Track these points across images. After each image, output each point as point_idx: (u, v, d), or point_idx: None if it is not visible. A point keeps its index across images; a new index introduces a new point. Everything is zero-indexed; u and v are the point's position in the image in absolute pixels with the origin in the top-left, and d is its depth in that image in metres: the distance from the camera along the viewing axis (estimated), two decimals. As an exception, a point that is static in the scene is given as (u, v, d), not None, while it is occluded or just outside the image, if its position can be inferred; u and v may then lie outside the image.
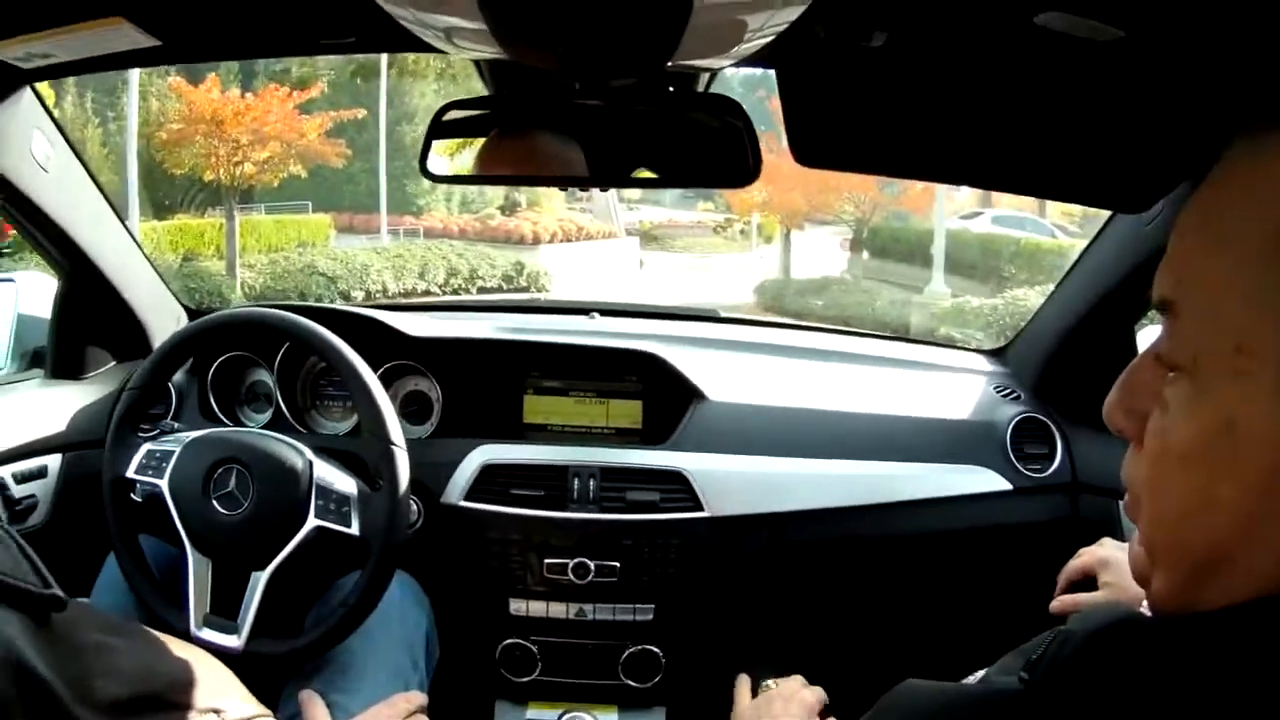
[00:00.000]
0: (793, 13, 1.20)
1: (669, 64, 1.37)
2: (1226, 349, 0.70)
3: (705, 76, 1.95)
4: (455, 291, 21.77)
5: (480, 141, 1.96)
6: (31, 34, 1.64)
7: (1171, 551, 0.76)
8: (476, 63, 1.90)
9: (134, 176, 20.01)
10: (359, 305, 2.77)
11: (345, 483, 2.06)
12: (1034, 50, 1.32)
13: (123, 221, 2.59)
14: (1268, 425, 0.68)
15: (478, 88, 2.07)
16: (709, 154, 1.85)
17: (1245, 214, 0.70)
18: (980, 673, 0.90)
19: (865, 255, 26.35)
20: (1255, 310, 0.68)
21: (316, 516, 2.01)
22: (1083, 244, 2.63)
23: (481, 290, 22.22)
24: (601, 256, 26.02)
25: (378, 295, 20.28)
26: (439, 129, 1.91)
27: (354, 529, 2.02)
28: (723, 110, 1.79)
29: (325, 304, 2.79)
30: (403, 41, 1.43)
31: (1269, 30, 1.12)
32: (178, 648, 1.12)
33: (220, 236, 21.43)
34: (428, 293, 21.26)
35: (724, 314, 3.17)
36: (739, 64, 1.51)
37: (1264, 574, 0.70)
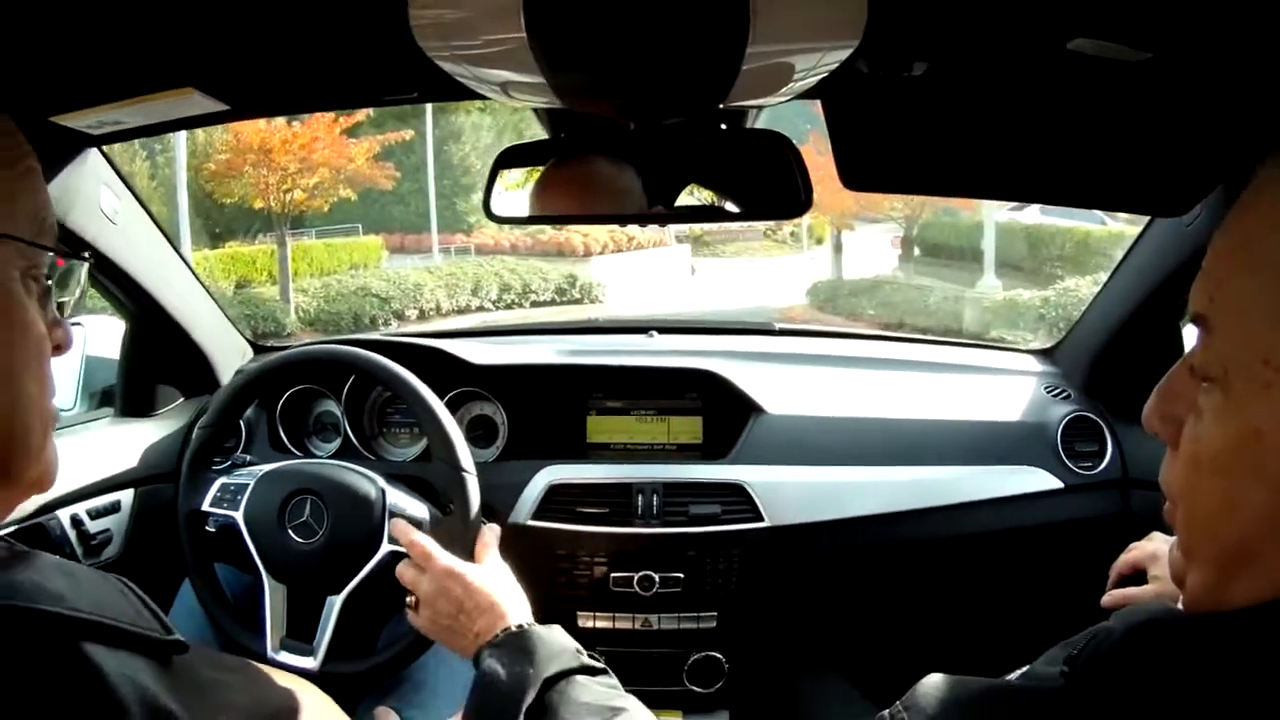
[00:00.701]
0: (841, 54, 1.24)
1: (721, 104, 1.41)
2: (1255, 363, 0.74)
3: (755, 110, 1.98)
4: (509, 306, 21.70)
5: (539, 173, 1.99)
6: (104, 105, 1.70)
7: (1204, 550, 0.82)
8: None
9: (184, 207, 20.01)
10: (423, 336, 2.79)
11: (417, 508, 2.09)
12: (1067, 73, 1.36)
13: (186, 261, 2.65)
14: None
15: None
16: (761, 188, 1.88)
17: (1275, 237, 0.75)
18: (1026, 667, 0.95)
19: (916, 252, 26.10)
20: None
21: (390, 542, 2.03)
22: (1130, 230, 2.65)
23: (535, 304, 22.16)
24: (653, 265, 25.88)
25: (431, 314, 20.24)
26: (499, 172, 1.95)
27: None
28: (772, 145, 1.81)
29: (390, 336, 2.80)
30: (465, 92, 1.48)
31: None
32: (281, 679, 1.17)
33: (272, 263, 21.41)
34: (481, 309, 21.24)
35: (779, 325, 3.17)
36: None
37: None
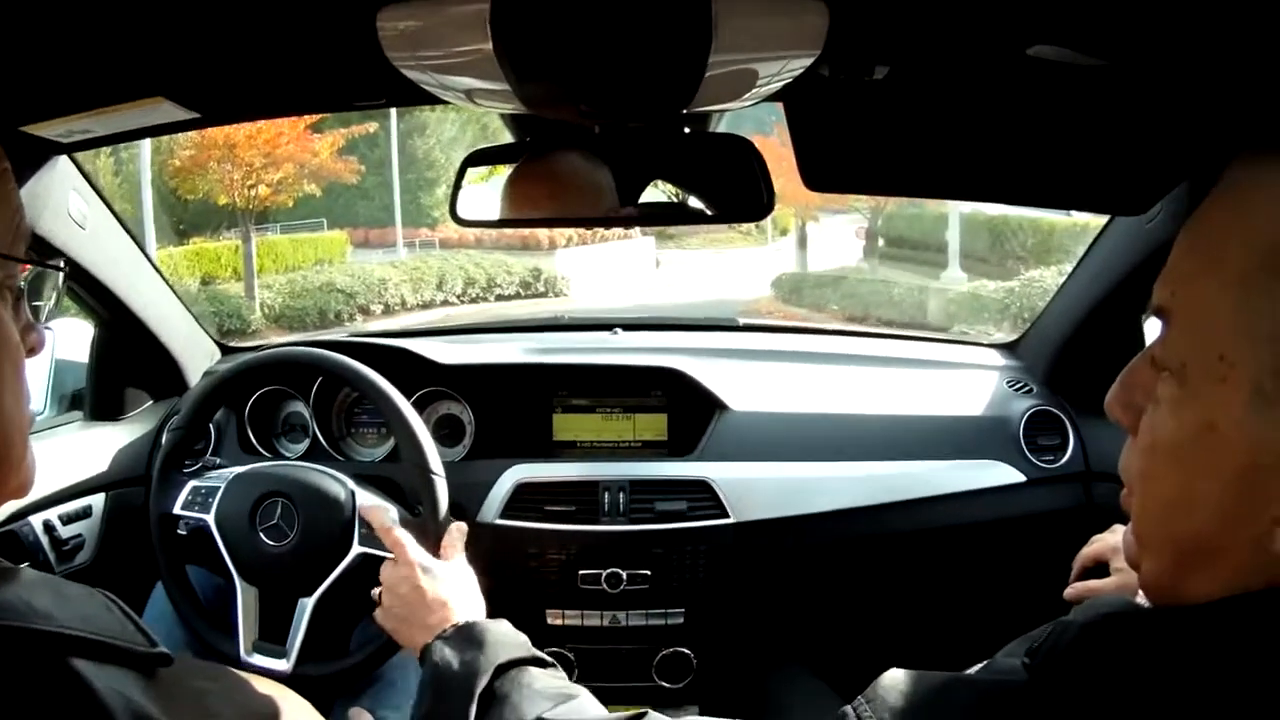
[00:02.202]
0: (804, 61, 1.26)
1: (685, 110, 1.42)
2: (1211, 357, 0.76)
3: (718, 113, 2.00)
4: (474, 300, 21.73)
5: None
6: (74, 115, 1.69)
7: (1157, 539, 0.84)
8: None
9: (149, 204, 19.93)
10: (389, 336, 2.80)
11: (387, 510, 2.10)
12: (1028, 77, 1.37)
13: (154, 264, 2.64)
14: (1243, 430, 0.75)
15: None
16: (725, 191, 1.90)
17: (1236, 237, 0.77)
18: (987, 661, 0.97)
19: (881, 243, 26.20)
20: (1239, 326, 0.75)
21: (360, 544, 2.05)
22: (1095, 221, 2.67)
23: (500, 298, 22.18)
24: (618, 258, 25.89)
25: (396, 308, 20.24)
26: (466, 172, 1.98)
27: None
28: (735, 149, 1.85)
29: (356, 337, 2.78)
30: (433, 98, 1.49)
31: (1241, 58, 1.18)
32: (262, 685, 1.18)
33: (237, 259, 21.39)
34: (446, 303, 21.23)
35: (743, 321, 3.19)
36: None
37: (1241, 566, 0.77)
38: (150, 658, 0.92)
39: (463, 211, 1.98)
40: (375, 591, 1.81)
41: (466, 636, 1.57)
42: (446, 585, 1.73)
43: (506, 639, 1.56)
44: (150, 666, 0.92)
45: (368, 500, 2.10)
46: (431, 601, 1.70)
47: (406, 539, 1.82)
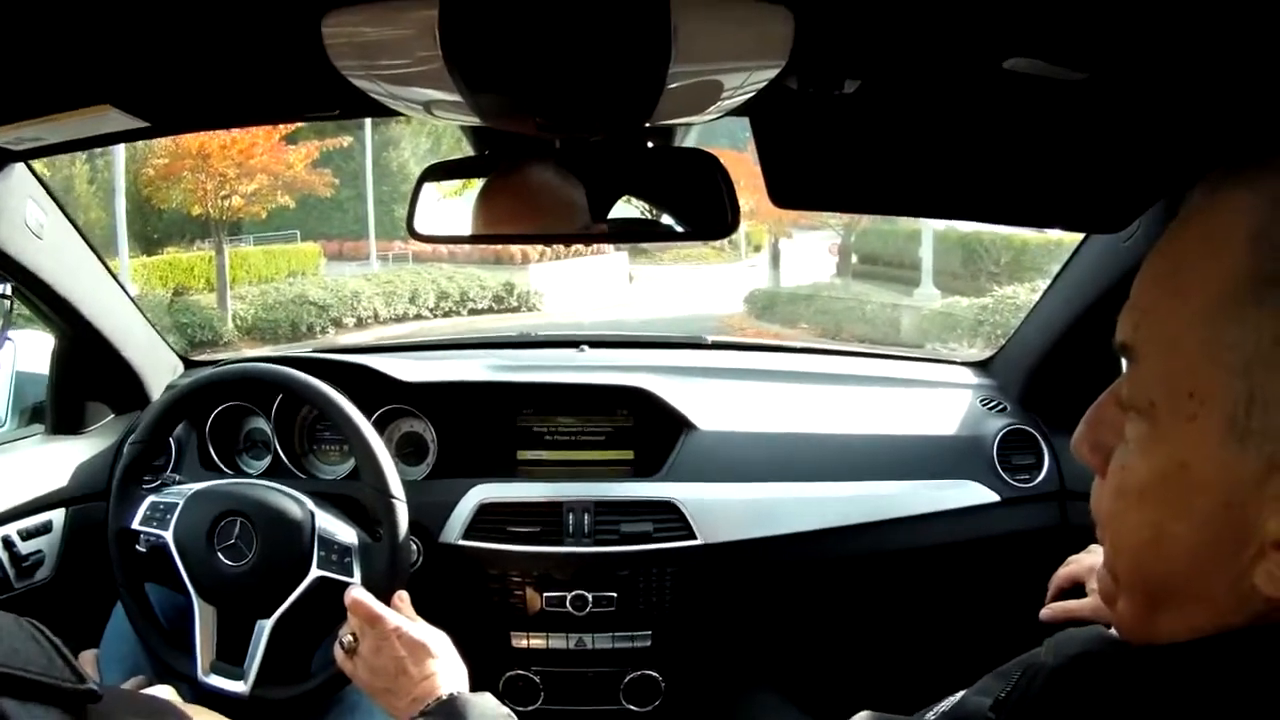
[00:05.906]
0: (768, 73, 1.22)
1: (647, 123, 1.39)
2: (1180, 394, 0.73)
3: (683, 127, 1.97)
4: (447, 314, 21.80)
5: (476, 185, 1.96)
6: (22, 122, 1.66)
7: (1130, 579, 0.81)
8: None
9: (122, 213, 19.95)
10: (353, 352, 2.78)
11: (346, 533, 2.08)
12: (1003, 91, 1.34)
13: (114, 275, 2.61)
14: (1217, 468, 0.71)
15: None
16: (689, 208, 1.87)
17: (1201, 267, 0.73)
18: (959, 694, 0.94)
19: (854, 259, 26.34)
20: (1208, 360, 0.71)
21: (319, 567, 2.03)
22: (1069, 238, 2.65)
23: (473, 312, 22.24)
24: (591, 273, 25.97)
25: (369, 321, 20.31)
26: (423, 187, 1.95)
27: (356, 579, 2.03)
28: (700, 164, 1.82)
29: (320, 353, 2.76)
30: (386, 110, 1.45)
31: (1220, 72, 1.16)
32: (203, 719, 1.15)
33: (210, 269, 21.42)
34: (419, 317, 21.31)
35: (711, 339, 3.16)
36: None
37: (1218, 605, 0.74)
38: (77, 695, 0.89)
39: (422, 227, 1.94)
40: (346, 638, 1.76)
41: (450, 712, 1.55)
42: (428, 655, 1.70)
43: (490, 714, 1.55)
44: (78, 704, 0.89)
45: (326, 528, 2.08)
46: (414, 673, 1.67)
47: (384, 610, 1.77)
